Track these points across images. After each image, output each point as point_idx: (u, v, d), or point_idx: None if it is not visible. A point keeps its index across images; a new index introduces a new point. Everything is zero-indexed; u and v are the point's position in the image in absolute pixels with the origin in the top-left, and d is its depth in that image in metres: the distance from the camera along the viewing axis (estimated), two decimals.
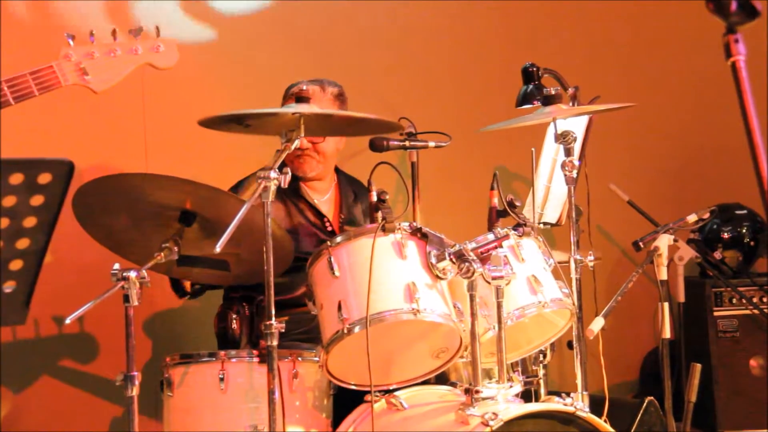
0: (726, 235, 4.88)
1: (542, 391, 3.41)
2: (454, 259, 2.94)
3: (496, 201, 3.26)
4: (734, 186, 4.83)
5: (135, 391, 2.85)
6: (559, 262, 3.20)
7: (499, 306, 2.93)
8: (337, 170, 3.95)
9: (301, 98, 3.04)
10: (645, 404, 3.88)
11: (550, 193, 3.81)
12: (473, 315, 2.92)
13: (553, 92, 3.35)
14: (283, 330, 2.87)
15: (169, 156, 4.39)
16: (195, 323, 4.28)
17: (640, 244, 3.97)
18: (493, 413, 2.82)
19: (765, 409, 4.52)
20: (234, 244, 2.85)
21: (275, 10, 4.72)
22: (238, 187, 3.76)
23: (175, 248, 3.05)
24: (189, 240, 3.11)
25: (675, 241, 3.95)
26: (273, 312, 2.84)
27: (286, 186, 2.90)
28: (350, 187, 3.95)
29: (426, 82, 4.89)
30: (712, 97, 4.93)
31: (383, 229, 2.99)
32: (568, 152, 3.31)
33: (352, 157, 4.17)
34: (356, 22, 4.86)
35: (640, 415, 3.87)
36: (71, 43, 2.99)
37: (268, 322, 2.85)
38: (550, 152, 3.81)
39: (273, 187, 2.84)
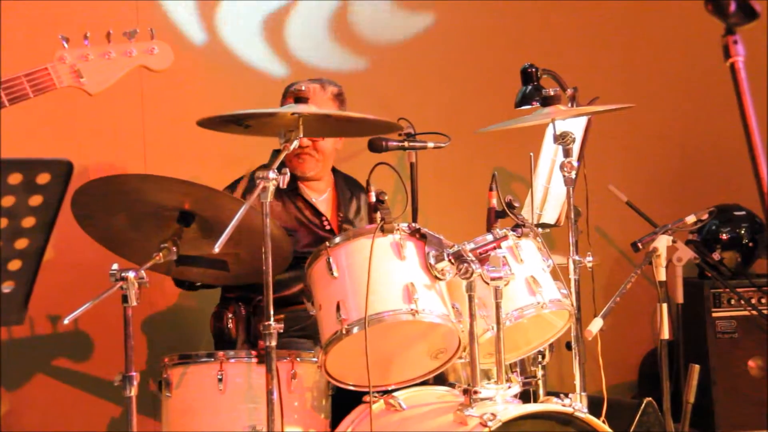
0: (725, 236, 4.87)
1: (541, 391, 3.42)
2: (452, 260, 2.94)
3: (494, 202, 3.25)
4: (733, 187, 4.84)
5: (133, 392, 2.85)
6: (558, 264, 3.19)
7: (497, 307, 2.92)
8: (334, 170, 3.95)
9: (299, 98, 3.04)
10: (643, 405, 3.88)
11: (549, 194, 3.81)
12: (472, 316, 2.92)
13: (552, 93, 3.34)
14: (282, 331, 2.87)
15: (167, 156, 4.39)
16: (193, 324, 4.28)
17: (639, 245, 3.97)
18: (492, 414, 2.82)
19: (763, 410, 4.51)
20: (233, 244, 2.85)
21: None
22: (232, 187, 3.75)
23: (174, 248, 3.05)
24: (188, 240, 3.10)
25: (674, 242, 3.95)
26: (272, 313, 2.84)
27: (285, 186, 2.89)
28: (347, 187, 3.95)
29: (425, 82, 4.88)
30: (711, 98, 4.94)
31: (382, 229, 2.98)
32: (567, 153, 3.31)
33: (351, 157, 4.17)
34: (356, 22, 4.86)
35: (638, 416, 3.87)
36: (66, 45, 2.99)
37: (266, 323, 2.85)
38: (549, 153, 3.80)
39: (272, 188, 2.83)
